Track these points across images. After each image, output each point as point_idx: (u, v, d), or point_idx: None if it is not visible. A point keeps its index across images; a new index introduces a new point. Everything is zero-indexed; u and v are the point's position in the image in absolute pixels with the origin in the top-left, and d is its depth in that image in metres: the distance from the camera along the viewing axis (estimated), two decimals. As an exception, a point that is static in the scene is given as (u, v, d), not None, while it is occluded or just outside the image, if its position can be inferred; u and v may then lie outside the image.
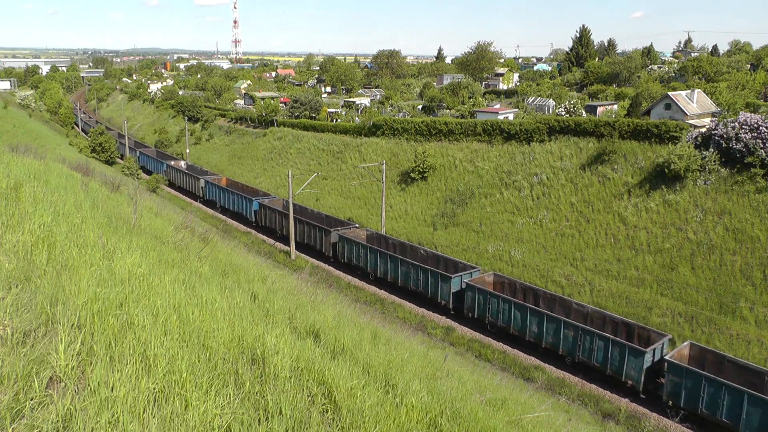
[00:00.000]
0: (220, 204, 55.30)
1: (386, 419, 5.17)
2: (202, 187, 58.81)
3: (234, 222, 52.53)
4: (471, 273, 32.89)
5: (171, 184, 66.07)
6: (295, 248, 43.44)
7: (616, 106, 60.58)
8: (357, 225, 43.66)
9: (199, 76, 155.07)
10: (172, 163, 68.20)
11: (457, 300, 32.45)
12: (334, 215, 46.98)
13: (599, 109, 58.54)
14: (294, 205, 44.36)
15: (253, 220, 49.86)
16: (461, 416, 6.09)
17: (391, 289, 36.64)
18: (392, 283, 36.40)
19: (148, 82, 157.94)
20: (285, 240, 45.13)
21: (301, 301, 10.89)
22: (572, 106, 56.31)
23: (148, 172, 69.67)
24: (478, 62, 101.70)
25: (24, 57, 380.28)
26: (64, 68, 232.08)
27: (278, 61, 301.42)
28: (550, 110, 63.02)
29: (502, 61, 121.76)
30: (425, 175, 48.35)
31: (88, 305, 5.04)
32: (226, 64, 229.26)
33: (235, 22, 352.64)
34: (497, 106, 69.60)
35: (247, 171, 66.78)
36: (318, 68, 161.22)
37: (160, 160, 70.15)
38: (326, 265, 41.28)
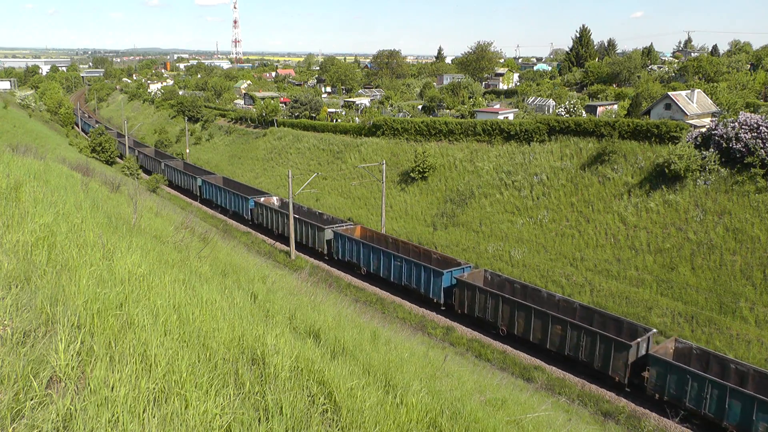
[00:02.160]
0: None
1: (386, 419, 5.17)
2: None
3: (234, 222, 52.55)
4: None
5: (170, 184, 66.17)
6: (295, 248, 43.47)
7: (616, 106, 60.58)
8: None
9: (199, 76, 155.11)
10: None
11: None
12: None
13: (599, 109, 58.55)
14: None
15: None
16: (461, 416, 6.09)
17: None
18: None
19: (148, 82, 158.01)
20: (285, 240, 45.15)
21: (301, 301, 10.89)
22: (572, 106, 56.32)
23: (148, 172, 69.73)
24: (478, 62, 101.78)
25: (24, 57, 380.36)
26: (64, 68, 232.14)
27: (278, 61, 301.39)
28: (550, 110, 63.03)
29: (502, 61, 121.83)
30: (425, 175, 48.35)
31: (88, 305, 5.04)
32: (226, 64, 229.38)
33: (235, 22, 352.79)
34: (497, 106, 69.62)
35: (247, 171, 66.79)
36: (318, 68, 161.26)
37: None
38: (326, 265, 41.28)
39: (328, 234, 41.11)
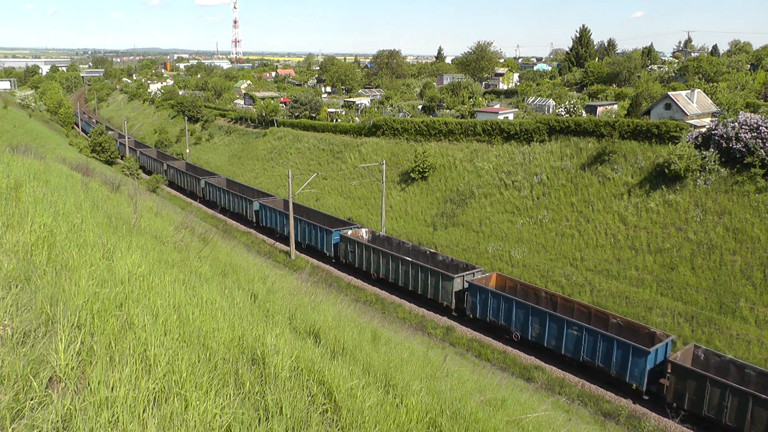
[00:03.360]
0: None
1: (386, 419, 5.17)
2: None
3: (234, 222, 52.52)
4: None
5: (171, 184, 66.15)
6: (296, 248, 43.44)
7: (616, 106, 60.57)
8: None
9: (199, 76, 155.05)
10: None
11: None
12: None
13: (599, 109, 58.54)
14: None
15: (254, 220, 49.68)
16: (461, 416, 6.09)
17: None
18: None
19: (148, 82, 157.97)
20: (285, 240, 45.13)
21: (301, 301, 10.89)
22: (572, 106, 56.32)
23: (148, 173, 69.69)
24: (478, 62, 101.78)
25: (24, 57, 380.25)
26: (64, 68, 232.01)
27: (278, 61, 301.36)
28: (550, 110, 63.02)
29: (502, 61, 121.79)
30: (425, 175, 48.36)
31: (88, 305, 5.04)
32: (226, 64, 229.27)
33: (235, 22, 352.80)
34: (497, 106, 69.61)
35: (247, 171, 66.78)
36: (318, 68, 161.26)
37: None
38: (326, 265, 41.26)
39: (457, 284, 32.03)
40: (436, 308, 33.59)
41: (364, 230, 40.48)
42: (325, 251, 41.26)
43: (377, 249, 36.74)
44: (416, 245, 38.37)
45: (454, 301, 31.98)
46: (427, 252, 36.61)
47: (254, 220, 49.62)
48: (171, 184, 66.28)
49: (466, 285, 31.61)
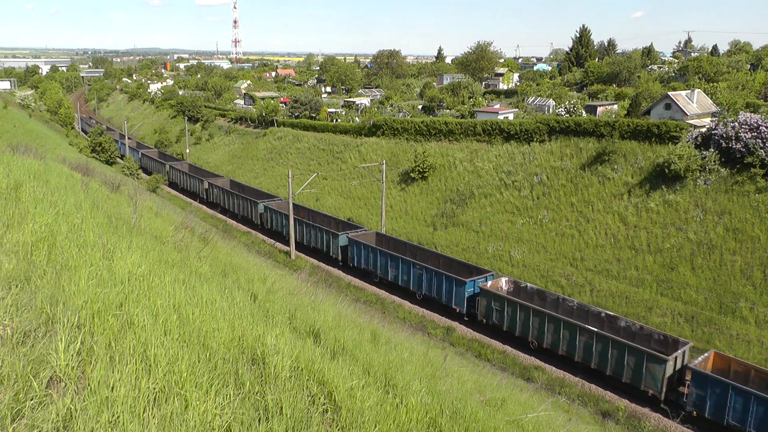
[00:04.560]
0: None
1: (386, 419, 5.17)
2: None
3: (234, 222, 52.52)
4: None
5: (172, 184, 66.10)
6: (296, 249, 43.43)
7: (616, 106, 60.58)
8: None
9: (199, 76, 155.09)
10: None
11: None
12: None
13: (599, 109, 58.54)
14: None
15: (259, 223, 49.14)
16: (461, 416, 6.09)
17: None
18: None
19: (148, 82, 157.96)
20: (286, 240, 45.09)
21: (301, 301, 10.89)
22: (572, 106, 56.31)
23: (149, 173, 69.64)
24: (478, 62, 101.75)
25: (24, 57, 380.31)
26: (64, 68, 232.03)
27: (278, 61, 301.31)
28: (550, 110, 63.02)
29: (502, 61, 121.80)
30: (425, 175, 48.35)
31: (88, 305, 5.04)
32: (226, 64, 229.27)
33: (235, 22, 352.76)
34: (497, 106, 69.60)
35: (247, 171, 66.79)
36: (318, 68, 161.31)
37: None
38: (326, 265, 41.26)
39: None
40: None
41: (504, 279, 32.77)
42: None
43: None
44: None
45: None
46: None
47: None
48: (171, 185, 66.24)
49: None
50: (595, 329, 26.02)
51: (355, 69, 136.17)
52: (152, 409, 3.96)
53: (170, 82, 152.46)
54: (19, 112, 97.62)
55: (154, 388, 4.18)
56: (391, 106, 78.28)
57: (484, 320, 30.58)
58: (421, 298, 34.42)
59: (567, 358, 27.05)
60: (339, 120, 70.30)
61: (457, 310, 32.12)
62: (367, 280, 38.18)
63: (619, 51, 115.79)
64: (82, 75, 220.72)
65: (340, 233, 40.15)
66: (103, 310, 5.04)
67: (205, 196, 58.50)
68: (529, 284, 31.52)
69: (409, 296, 35.38)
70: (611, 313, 27.77)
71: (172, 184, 66.00)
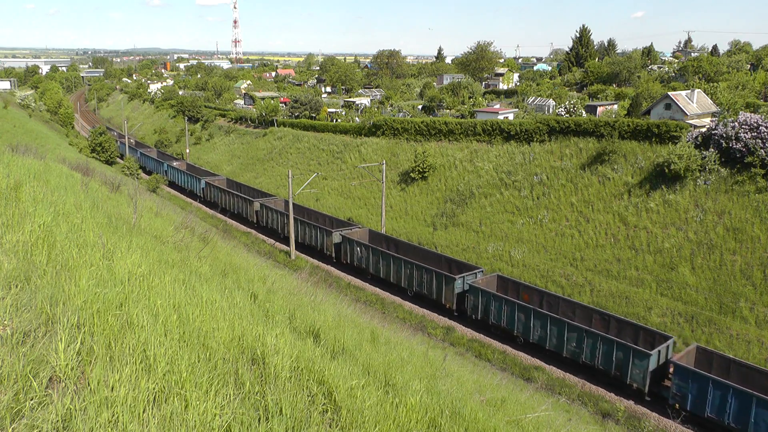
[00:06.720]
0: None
1: (386, 419, 5.17)
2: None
3: (234, 222, 52.53)
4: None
5: (171, 184, 66.15)
6: (296, 248, 43.42)
7: (616, 106, 60.58)
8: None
9: (199, 76, 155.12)
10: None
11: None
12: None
13: (599, 109, 58.54)
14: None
15: (255, 220, 49.76)
16: (461, 416, 6.09)
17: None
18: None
19: (148, 82, 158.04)
20: (285, 240, 45.09)
21: (301, 301, 10.89)
22: (572, 106, 56.32)
23: (149, 173, 69.68)
24: (478, 62, 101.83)
25: (24, 57, 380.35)
26: (64, 68, 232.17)
27: (278, 61, 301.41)
28: (550, 110, 63.02)
29: (502, 61, 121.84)
30: (425, 174, 48.35)
31: (87, 305, 5.04)
32: (226, 64, 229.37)
33: (235, 22, 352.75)
34: (497, 106, 69.60)
35: (247, 171, 66.78)
36: (318, 68, 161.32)
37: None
38: (326, 265, 41.26)
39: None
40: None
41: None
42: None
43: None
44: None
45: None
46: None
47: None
48: (171, 184, 66.28)
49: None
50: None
51: (355, 69, 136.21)
52: (152, 409, 3.96)
53: (170, 82, 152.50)
54: (19, 112, 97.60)
55: (154, 388, 4.18)
56: (391, 106, 78.28)
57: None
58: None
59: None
60: (339, 120, 70.29)
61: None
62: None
63: (619, 51, 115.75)
64: (82, 75, 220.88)
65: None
66: (103, 310, 5.04)
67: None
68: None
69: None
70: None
71: (172, 184, 66.07)
